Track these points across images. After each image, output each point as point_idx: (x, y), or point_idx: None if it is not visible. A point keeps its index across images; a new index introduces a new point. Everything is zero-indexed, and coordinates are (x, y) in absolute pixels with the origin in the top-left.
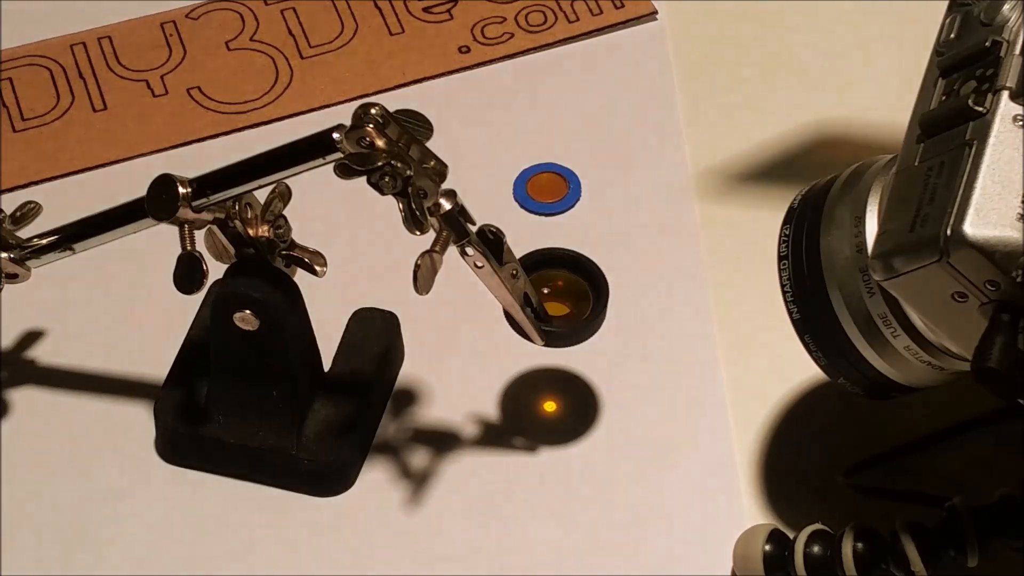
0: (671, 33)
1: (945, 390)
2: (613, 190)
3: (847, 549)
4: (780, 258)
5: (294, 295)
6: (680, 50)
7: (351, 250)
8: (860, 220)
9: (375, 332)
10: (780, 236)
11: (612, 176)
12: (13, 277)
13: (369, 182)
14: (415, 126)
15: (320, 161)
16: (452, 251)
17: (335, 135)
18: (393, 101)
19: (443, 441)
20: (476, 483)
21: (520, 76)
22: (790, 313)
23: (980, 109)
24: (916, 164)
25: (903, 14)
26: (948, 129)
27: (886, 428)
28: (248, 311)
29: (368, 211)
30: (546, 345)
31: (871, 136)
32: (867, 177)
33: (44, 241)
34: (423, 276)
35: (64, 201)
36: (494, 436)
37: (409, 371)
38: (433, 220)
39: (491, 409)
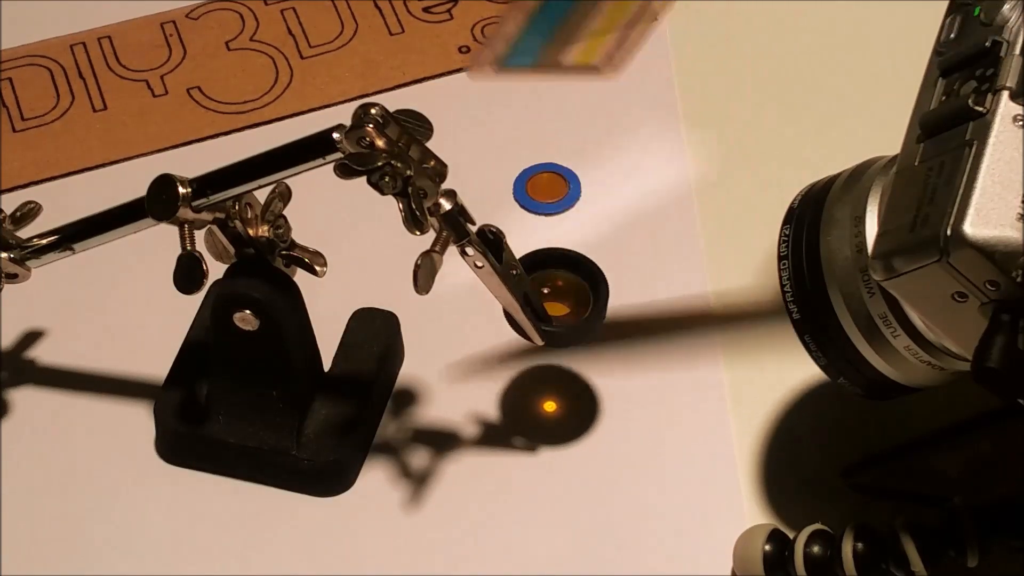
0: (671, 33)
1: (945, 390)
2: (613, 190)
3: (847, 549)
4: (780, 258)
5: (294, 295)
6: (680, 50)
7: (351, 250)
8: (860, 220)
9: (375, 332)
10: (780, 236)
11: (612, 176)
12: (13, 277)
13: (369, 182)
14: (415, 126)
15: (320, 161)
16: (452, 251)
17: (335, 135)
18: (393, 101)
19: (443, 441)
20: (476, 483)
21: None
22: (790, 313)
23: (980, 109)
24: (916, 164)
25: (903, 14)
26: (948, 129)
27: (886, 428)
28: (248, 311)
29: (368, 211)
30: (546, 345)
31: (871, 136)
32: (867, 177)
33: (44, 241)
34: (423, 276)
35: (64, 201)
36: (494, 436)
37: (409, 371)
38: (433, 220)
39: (491, 409)
